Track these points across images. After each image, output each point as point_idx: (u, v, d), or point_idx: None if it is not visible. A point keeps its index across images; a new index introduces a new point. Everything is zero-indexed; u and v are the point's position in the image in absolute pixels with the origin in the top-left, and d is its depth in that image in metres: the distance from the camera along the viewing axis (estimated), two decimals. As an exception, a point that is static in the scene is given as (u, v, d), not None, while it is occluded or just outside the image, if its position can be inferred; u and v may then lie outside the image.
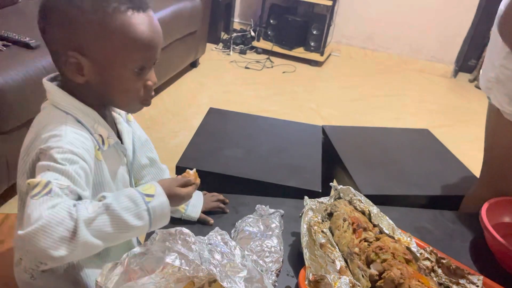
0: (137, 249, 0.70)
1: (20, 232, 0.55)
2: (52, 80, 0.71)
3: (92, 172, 0.67)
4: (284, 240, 0.84)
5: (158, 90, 2.60)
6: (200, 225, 0.89)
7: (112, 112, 0.80)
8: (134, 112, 0.79)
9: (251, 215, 0.87)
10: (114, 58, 0.66)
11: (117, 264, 0.68)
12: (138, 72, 0.68)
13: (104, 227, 0.60)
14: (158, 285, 0.66)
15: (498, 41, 0.95)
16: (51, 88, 0.69)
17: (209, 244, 0.73)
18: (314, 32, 3.43)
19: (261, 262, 0.75)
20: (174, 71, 2.69)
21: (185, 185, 0.72)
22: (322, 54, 3.45)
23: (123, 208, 0.61)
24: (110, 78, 0.68)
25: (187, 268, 0.67)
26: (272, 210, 0.88)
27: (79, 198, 0.61)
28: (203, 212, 0.91)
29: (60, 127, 0.64)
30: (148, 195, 0.64)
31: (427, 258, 0.80)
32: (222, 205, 0.94)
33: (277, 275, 0.76)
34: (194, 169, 0.77)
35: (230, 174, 1.15)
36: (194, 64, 3.05)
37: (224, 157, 1.22)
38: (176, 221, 0.88)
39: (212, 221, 0.90)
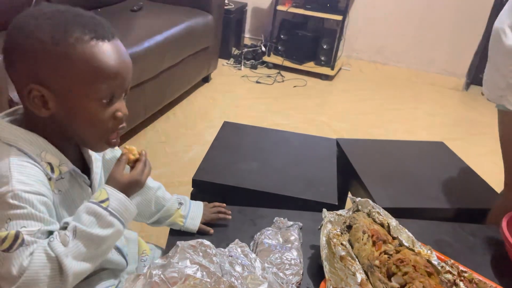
0: (159, 261, 0.71)
1: (6, 285, 0.56)
2: (7, 115, 0.68)
3: (52, 201, 0.65)
4: (303, 253, 0.83)
5: (171, 105, 2.63)
6: (219, 237, 0.89)
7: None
8: (100, 151, 0.76)
9: (269, 228, 0.87)
10: (79, 90, 0.63)
11: (139, 276, 0.68)
12: (106, 103, 0.65)
13: (83, 251, 0.60)
14: (180, 297, 0.67)
15: (499, 52, 1.00)
16: None
17: (229, 256, 0.73)
18: (325, 47, 3.46)
19: (281, 274, 0.75)
20: (187, 86, 2.72)
21: (132, 167, 0.70)
22: (332, 68, 3.47)
23: (89, 225, 0.61)
24: (76, 110, 0.64)
25: (208, 280, 0.68)
26: (290, 223, 0.88)
27: (51, 232, 0.61)
28: (204, 223, 0.91)
29: (4, 166, 0.60)
30: (102, 201, 0.63)
31: (449, 271, 0.79)
32: (222, 216, 0.93)
33: (298, 288, 0.75)
34: (131, 146, 0.72)
35: (246, 187, 1.16)
36: (206, 79, 3.09)
37: (239, 170, 1.23)
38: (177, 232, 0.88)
39: (211, 231, 0.91)
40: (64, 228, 0.61)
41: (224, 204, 0.97)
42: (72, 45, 0.61)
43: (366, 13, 3.69)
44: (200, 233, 0.90)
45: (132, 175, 0.68)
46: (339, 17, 3.32)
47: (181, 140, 2.32)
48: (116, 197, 0.64)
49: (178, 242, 0.73)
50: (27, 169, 0.61)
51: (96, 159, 0.76)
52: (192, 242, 0.73)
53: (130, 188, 0.68)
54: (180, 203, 0.92)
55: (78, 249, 0.59)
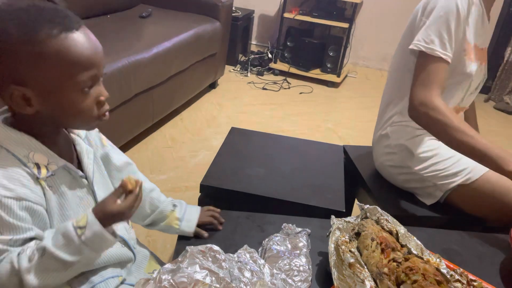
0: (168, 266, 0.71)
1: None
2: None
3: (43, 203, 0.66)
4: (311, 260, 0.83)
5: (178, 111, 2.65)
6: (227, 242, 0.89)
7: (71, 134, 0.76)
8: (93, 129, 0.77)
9: (278, 234, 0.87)
10: (59, 84, 0.63)
11: (149, 281, 0.69)
12: (87, 91, 0.66)
13: (47, 270, 0.62)
14: (189, 302, 0.67)
15: None
16: None
17: (238, 261, 0.73)
18: (331, 54, 3.47)
19: (290, 281, 0.75)
20: (194, 92, 2.74)
21: (123, 195, 0.68)
22: (338, 76, 3.48)
23: (60, 247, 0.62)
24: (60, 104, 0.65)
25: (217, 285, 0.68)
26: (299, 229, 0.88)
27: (28, 239, 0.63)
28: (198, 225, 0.92)
29: None
30: (80, 227, 0.63)
31: (458, 280, 0.79)
32: (215, 221, 0.94)
33: (306, 295, 0.75)
34: (131, 176, 0.71)
35: (253, 193, 1.16)
36: (213, 85, 3.11)
37: (247, 176, 1.24)
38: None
39: (206, 234, 0.91)
40: (40, 238, 0.63)
41: (219, 210, 0.98)
42: (43, 42, 0.60)
43: (373, 21, 3.70)
44: (195, 236, 0.91)
45: (121, 206, 0.67)
46: (346, 25, 3.33)
47: (187, 145, 2.33)
48: (93, 228, 0.64)
49: (187, 247, 0.73)
50: (10, 172, 0.62)
51: (88, 150, 0.76)
52: (202, 247, 0.74)
53: (114, 218, 0.67)
54: (174, 205, 0.93)
55: (42, 267, 0.61)
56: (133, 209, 0.69)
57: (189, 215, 0.92)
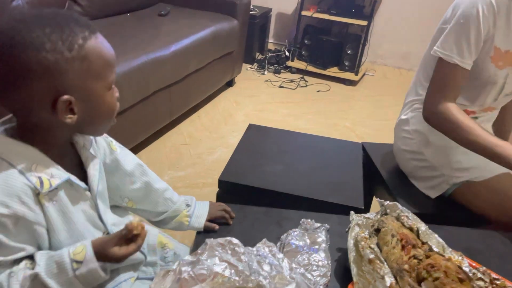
0: (188, 258, 0.72)
1: None
2: (3, 124, 0.66)
3: (42, 221, 0.64)
4: (330, 256, 0.83)
5: (195, 108, 2.67)
6: (245, 237, 0.89)
7: (76, 144, 0.74)
8: (106, 131, 0.74)
9: (296, 229, 0.87)
10: (97, 85, 0.64)
11: (169, 272, 0.70)
12: (110, 88, 0.67)
13: None
14: (208, 295, 0.67)
15: None
16: None
17: (257, 255, 0.73)
18: (349, 52, 3.44)
19: (308, 275, 0.75)
20: (211, 90, 2.75)
21: (126, 240, 0.66)
22: (356, 74, 3.45)
23: (52, 276, 0.61)
24: (95, 105, 0.65)
25: (236, 278, 0.68)
26: (317, 224, 0.88)
27: (17, 259, 0.62)
28: (208, 220, 0.92)
29: None
30: (77, 261, 0.63)
31: (480, 279, 0.77)
32: (226, 215, 0.94)
33: (325, 290, 0.75)
34: (137, 219, 0.71)
35: (271, 189, 1.16)
36: (230, 83, 3.12)
37: (265, 172, 1.24)
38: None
39: (217, 227, 0.92)
40: (33, 264, 0.62)
41: (229, 209, 0.97)
42: (83, 46, 0.61)
43: (392, 19, 3.65)
44: (206, 231, 0.92)
45: (122, 253, 0.66)
46: (364, 22, 3.30)
47: (205, 142, 2.35)
48: (89, 266, 0.63)
49: (207, 240, 0.74)
50: (10, 187, 0.60)
51: (94, 160, 0.74)
52: (221, 240, 0.74)
53: (111, 260, 0.66)
54: (188, 205, 0.93)
55: None
56: (131, 254, 0.67)
57: (198, 211, 0.93)
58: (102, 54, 0.64)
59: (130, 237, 0.66)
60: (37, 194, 0.62)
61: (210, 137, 2.41)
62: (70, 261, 0.63)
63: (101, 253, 0.65)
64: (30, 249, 0.64)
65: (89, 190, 0.72)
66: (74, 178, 0.68)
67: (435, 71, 1.13)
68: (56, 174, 0.65)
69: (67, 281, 0.63)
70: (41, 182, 0.62)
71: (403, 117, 1.32)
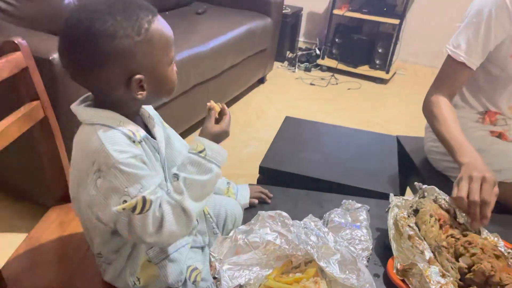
0: (243, 227, 0.79)
1: (150, 240, 0.69)
2: (82, 102, 0.75)
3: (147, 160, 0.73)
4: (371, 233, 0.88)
5: (229, 103, 2.76)
6: (292, 214, 0.94)
7: (141, 115, 0.82)
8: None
9: (338, 208, 0.93)
10: (162, 63, 0.72)
11: (227, 239, 0.77)
12: (170, 63, 0.74)
13: (194, 194, 0.71)
14: (260, 261, 0.75)
15: None
16: (75, 109, 0.73)
17: (305, 227, 0.80)
18: (380, 51, 3.45)
19: (352, 248, 0.80)
20: (245, 86, 2.84)
21: (218, 119, 0.80)
22: (387, 72, 3.45)
23: (194, 173, 0.72)
24: (160, 79, 0.73)
25: (286, 247, 0.75)
26: (358, 205, 0.93)
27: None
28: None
29: (97, 142, 0.67)
30: (201, 151, 0.74)
31: (516, 258, 0.81)
32: (263, 195, 1.03)
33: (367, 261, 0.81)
34: (212, 101, 0.83)
35: (309, 175, 1.22)
36: (261, 80, 3.19)
37: (303, 160, 1.30)
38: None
39: (257, 200, 1.02)
40: (175, 176, 0.72)
41: (266, 190, 1.05)
42: (148, 29, 0.68)
43: (424, 17, 3.63)
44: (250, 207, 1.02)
45: (221, 126, 0.79)
46: (396, 21, 3.31)
47: (238, 136, 2.43)
48: (210, 147, 0.75)
49: (259, 212, 0.81)
50: (116, 139, 0.68)
51: (158, 128, 0.83)
52: (271, 212, 0.81)
53: (220, 137, 0.79)
54: (228, 183, 1.04)
55: (190, 193, 0.71)
56: (229, 125, 0.81)
57: (242, 190, 1.04)
58: (164, 34, 0.71)
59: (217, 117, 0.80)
60: (133, 141, 0.71)
61: (244, 131, 2.49)
62: (197, 155, 0.73)
63: (211, 136, 0.76)
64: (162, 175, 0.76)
65: (158, 152, 0.80)
66: (149, 137, 0.77)
67: (442, 66, 1.18)
68: (138, 130, 0.74)
69: (206, 170, 0.73)
70: (133, 133, 0.72)
71: None
